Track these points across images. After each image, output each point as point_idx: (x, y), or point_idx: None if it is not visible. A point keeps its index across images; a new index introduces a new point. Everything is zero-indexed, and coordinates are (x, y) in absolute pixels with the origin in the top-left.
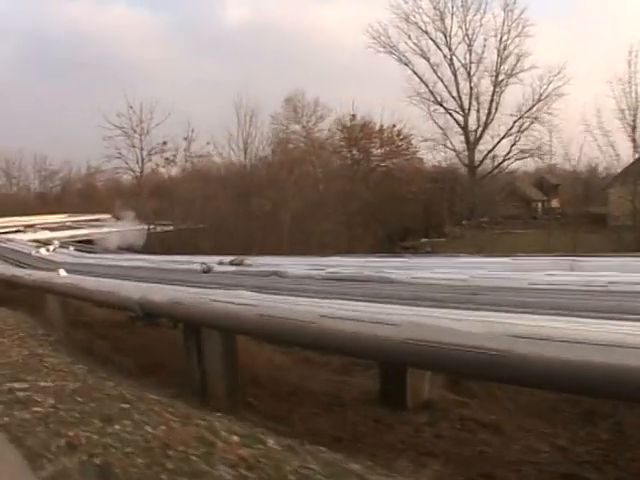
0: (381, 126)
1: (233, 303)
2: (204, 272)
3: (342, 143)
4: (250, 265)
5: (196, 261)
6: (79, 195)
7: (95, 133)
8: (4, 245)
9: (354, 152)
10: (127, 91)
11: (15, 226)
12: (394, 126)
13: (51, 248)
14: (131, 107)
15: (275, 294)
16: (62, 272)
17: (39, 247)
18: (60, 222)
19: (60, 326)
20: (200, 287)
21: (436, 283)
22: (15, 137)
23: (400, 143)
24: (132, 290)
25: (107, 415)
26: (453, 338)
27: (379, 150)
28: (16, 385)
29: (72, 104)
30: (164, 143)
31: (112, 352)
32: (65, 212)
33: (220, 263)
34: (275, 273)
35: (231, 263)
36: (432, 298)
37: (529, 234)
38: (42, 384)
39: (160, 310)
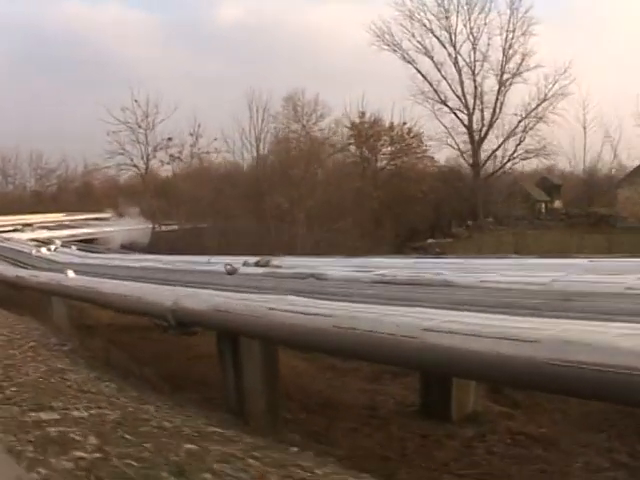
0: (391, 123)
1: (303, 313)
2: (229, 274)
3: (350, 141)
4: (279, 266)
5: (216, 261)
6: (76, 194)
7: (93, 131)
8: (2, 244)
9: (363, 150)
10: (131, 85)
11: (12, 225)
12: (404, 123)
13: (52, 247)
14: (136, 101)
15: (323, 299)
16: (70, 273)
17: (39, 246)
18: (58, 221)
19: (71, 332)
20: (229, 291)
21: (513, 287)
22: (11, 134)
23: (411, 141)
24: (162, 295)
25: (176, 463)
26: (620, 359)
27: (389, 148)
28: (43, 416)
29: (69, 102)
30: (169, 139)
31: (130, 362)
32: (63, 211)
33: (245, 264)
34: (312, 275)
35: (257, 264)
36: (521, 305)
37: (538, 234)
38: (75, 414)
39: (198, 319)
